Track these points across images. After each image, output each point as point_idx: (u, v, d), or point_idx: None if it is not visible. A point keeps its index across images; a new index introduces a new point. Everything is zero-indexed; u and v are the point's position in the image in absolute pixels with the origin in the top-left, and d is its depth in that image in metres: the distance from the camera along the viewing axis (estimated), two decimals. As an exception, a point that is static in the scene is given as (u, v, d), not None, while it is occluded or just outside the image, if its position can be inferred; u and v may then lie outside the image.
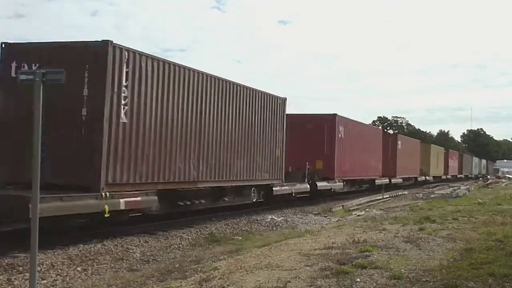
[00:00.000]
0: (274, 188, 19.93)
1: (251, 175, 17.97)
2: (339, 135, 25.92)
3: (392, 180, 36.37)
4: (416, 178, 45.16)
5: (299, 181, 22.90)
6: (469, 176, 73.31)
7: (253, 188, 18.63)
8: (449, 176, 59.41)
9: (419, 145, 47.36)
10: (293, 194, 21.81)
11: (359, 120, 35.59)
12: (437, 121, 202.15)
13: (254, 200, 18.97)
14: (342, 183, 26.37)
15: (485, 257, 8.51)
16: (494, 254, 8.88)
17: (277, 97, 20.15)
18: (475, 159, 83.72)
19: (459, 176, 66.41)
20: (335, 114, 25.87)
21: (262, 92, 18.85)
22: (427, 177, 48.18)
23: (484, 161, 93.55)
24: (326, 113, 26.33)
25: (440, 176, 54.99)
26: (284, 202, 21.93)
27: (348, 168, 27.10)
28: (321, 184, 24.24)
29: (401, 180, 39.45)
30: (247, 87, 17.57)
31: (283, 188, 20.67)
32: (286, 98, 20.78)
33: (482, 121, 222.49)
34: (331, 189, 25.48)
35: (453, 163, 63.12)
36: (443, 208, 19.06)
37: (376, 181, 33.02)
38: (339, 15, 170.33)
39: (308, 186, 23.06)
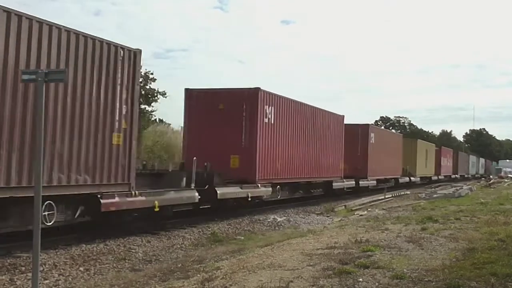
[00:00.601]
0: (104, 201, 11.50)
1: (44, 178, 9.51)
2: (266, 120, 18.50)
3: (360, 182, 29.13)
4: (397, 179, 37.36)
5: (181, 186, 15.17)
6: (466, 176, 67.86)
7: (47, 202, 10.12)
8: (441, 177, 52.66)
9: (401, 140, 40.00)
10: (156, 209, 13.13)
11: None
12: (439, 120, 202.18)
13: (50, 223, 10.25)
14: (270, 189, 19.05)
15: (488, 257, 8.51)
16: (496, 254, 8.87)
17: (117, 46, 11.97)
18: (472, 158, 77.84)
19: (453, 176, 59.78)
20: (257, 89, 18.11)
21: (71, 31, 10.84)
22: (412, 178, 40.95)
23: (482, 160, 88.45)
24: (245, 87, 18.61)
25: (430, 177, 48.30)
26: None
27: (283, 167, 20.08)
28: (226, 191, 16.68)
29: (375, 182, 31.70)
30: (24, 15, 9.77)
31: (131, 199, 12.27)
32: (139, 51, 12.56)
33: (483, 121, 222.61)
34: (247, 197, 17.53)
35: (447, 162, 56.09)
36: (445, 208, 19.04)
37: (334, 184, 25.79)
38: (340, 15, 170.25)
39: (196, 194, 15.12)
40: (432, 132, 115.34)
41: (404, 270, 7.66)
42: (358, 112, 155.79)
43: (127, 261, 10.21)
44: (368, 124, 31.53)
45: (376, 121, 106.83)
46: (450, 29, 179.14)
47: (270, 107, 18.83)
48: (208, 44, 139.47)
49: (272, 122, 19.01)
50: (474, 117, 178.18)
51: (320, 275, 7.30)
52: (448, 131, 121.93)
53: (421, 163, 43.95)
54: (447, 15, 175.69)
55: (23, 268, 9.01)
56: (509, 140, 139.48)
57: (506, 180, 56.04)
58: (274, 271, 7.57)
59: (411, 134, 66.90)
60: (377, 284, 6.91)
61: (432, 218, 14.67)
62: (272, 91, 19.25)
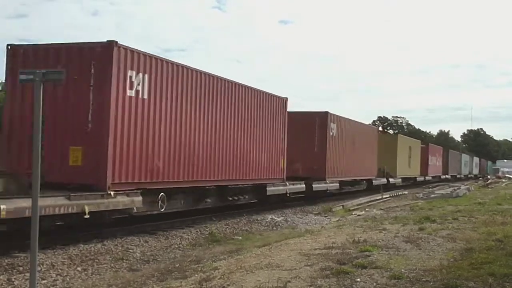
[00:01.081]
0: None
1: None
2: (131, 92, 12.35)
3: (314, 185, 23.08)
4: (370, 181, 31.71)
5: None
6: (458, 176, 63.08)
7: None
8: (428, 178, 47.95)
9: (377, 134, 34.16)
10: None
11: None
12: (438, 120, 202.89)
13: None
14: (138, 198, 12.56)
15: (485, 257, 8.51)
16: (494, 254, 8.87)
17: None
18: (465, 156, 72.94)
19: (443, 177, 54.90)
20: (112, 43, 11.81)
21: None
22: (390, 179, 35.09)
23: (476, 159, 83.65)
24: (95, 40, 12.32)
25: (415, 178, 43.33)
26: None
27: (171, 165, 13.75)
28: (16, 206, 9.45)
29: (336, 185, 25.84)
30: None
31: None
32: None
33: (482, 121, 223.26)
34: (83, 213, 10.95)
35: (435, 161, 51.16)
36: (443, 208, 19.05)
37: (269, 188, 19.37)
38: (340, 15, 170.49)
39: None
40: (430, 132, 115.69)
41: (402, 270, 7.66)
42: (358, 112, 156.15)
43: (125, 261, 10.20)
44: (327, 112, 24.68)
45: (373, 121, 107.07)
46: (450, 29, 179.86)
47: (141, 74, 12.64)
48: (207, 44, 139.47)
49: (145, 96, 12.81)
50: (473, 117, 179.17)
51: (318, 275, 7.30)
52: (446, 131, 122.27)
53: (402, 162, 38.13)
54: (447, 15, 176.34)
55: (21, 268, 9.00)
56: (506, 140, 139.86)
57: (504, 180, 56.13)
58: (272, 271, 7.57)
59: (409, 134, 66.32)
60: (374, 284, 6.91)
61: (430, 218, 14.67)
62: (146, 52, 13.03)
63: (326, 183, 24.35)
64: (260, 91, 18.96)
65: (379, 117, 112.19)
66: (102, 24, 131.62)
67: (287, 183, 20.75)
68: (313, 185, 23.03)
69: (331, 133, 24.71)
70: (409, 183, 41.37)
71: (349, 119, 28.29)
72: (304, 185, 22.43)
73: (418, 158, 44.10)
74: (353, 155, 27.87)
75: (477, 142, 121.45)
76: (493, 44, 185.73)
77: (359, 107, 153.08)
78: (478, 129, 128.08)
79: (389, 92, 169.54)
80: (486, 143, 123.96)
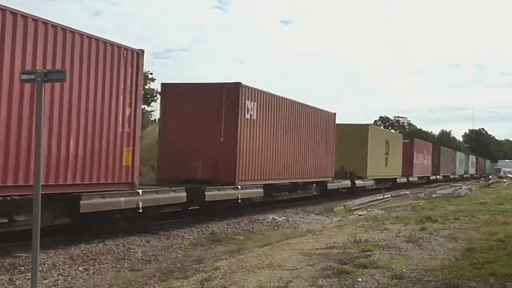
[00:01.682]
0: None
1: None
2: None
3: (208, 192, 15.40)
4: (324, 184, 24.38)
5: None
6: (452, 177, 57.15)
7: None
8: (413, 179, 40.84)
9: (334, 122, 25.39)
10: None
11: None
12: (438, 120, 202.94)
13: None
14: None
15: (487, 257, 8.51)
16: (495, 254, 8.87)
17: None
18: (460, 155, 65.74)
19: (433, 177, 48.34)
20: None
21: None
22: (357, 182, 28.28)
23: (472, 158, 78.29)
24: None
25: (395, 179, 36.05)
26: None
27: None
28: None
29: (258, 190, 18.13)
30: None
31: None
32: None
33: (483, 120, 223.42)
34: None
35: (422, 159, 44.45)
36: (444, 208, 19.03)
37: (85, 202, 10.98)
38: (340, 15, 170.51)
39: None
40: (431, 132, 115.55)
41: (403, 270, 7.66)
42: (358, 112, 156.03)
43: (126, 261, 10.21)
44: (238, 83, 16.86)
45: (375, 121, 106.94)
46: (450, 29, 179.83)
47: None
48: (208, 44, 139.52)
49: None
50: (474, 117, 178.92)
51: (319, 275, 7.30)
52: (447, 131, 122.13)
53: (376, 160, 31.10)
54: (447, 15, 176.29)
55: (22, 268, 9.02)
56: (508, 140, 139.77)
57: (505, 180, 56.04)
58: (273, 271, 7.57)
59: (410, 134, 65.89)
60: (376, 284, 6.91)
61: (431, 218, 14.66)
62: None
63: (236, 188, 16.61)
64: (79, 32, 10.97)
65: (381, 117, 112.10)
66: (102, 24, 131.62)
67: (139, 191, 12.69)
68: (207, 193, 15.38)
69: (248, 115, 17.19)
70: (387, 185, 33.51)
71: (282, 97, 19.89)
72: (184, 194, 14.47)
73: (400, 155, 36.95)
74: (293, 148, 20.62)
75: (479, 142, 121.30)
76: (493, 44, 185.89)
77: (359, 107, 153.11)
78: (479, 129, 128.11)
79: (389, 92, 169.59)
80: (488, 143, 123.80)
